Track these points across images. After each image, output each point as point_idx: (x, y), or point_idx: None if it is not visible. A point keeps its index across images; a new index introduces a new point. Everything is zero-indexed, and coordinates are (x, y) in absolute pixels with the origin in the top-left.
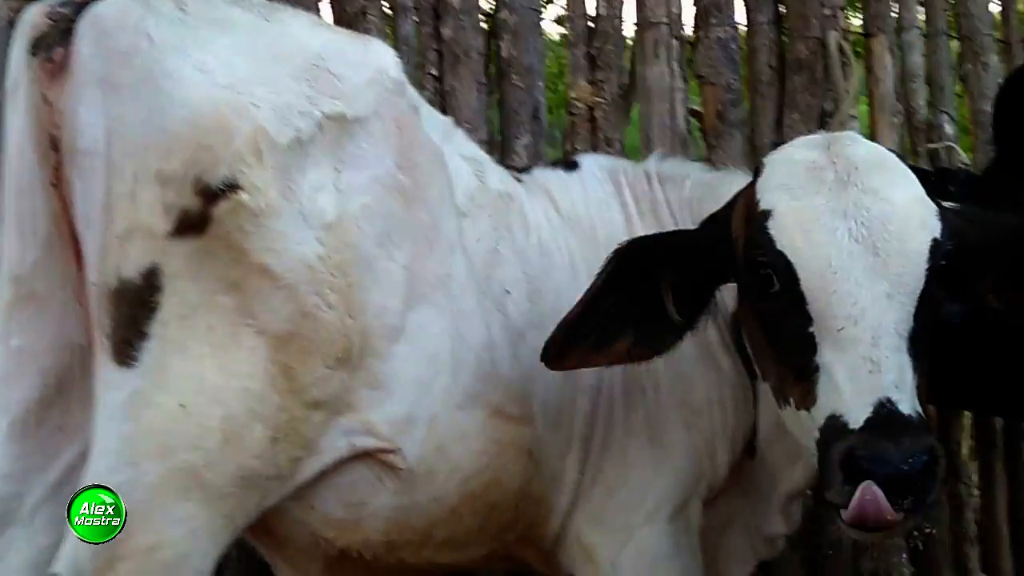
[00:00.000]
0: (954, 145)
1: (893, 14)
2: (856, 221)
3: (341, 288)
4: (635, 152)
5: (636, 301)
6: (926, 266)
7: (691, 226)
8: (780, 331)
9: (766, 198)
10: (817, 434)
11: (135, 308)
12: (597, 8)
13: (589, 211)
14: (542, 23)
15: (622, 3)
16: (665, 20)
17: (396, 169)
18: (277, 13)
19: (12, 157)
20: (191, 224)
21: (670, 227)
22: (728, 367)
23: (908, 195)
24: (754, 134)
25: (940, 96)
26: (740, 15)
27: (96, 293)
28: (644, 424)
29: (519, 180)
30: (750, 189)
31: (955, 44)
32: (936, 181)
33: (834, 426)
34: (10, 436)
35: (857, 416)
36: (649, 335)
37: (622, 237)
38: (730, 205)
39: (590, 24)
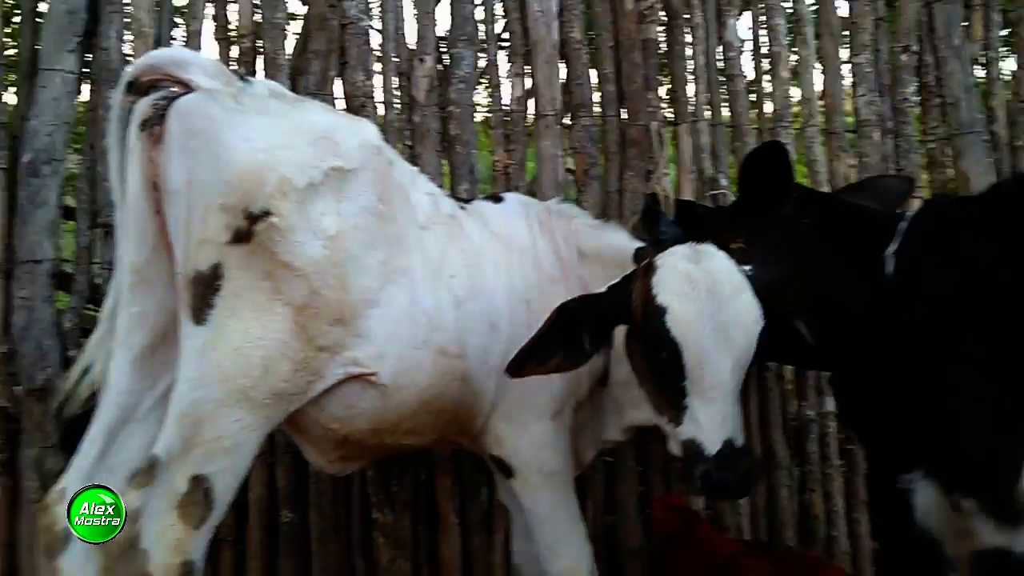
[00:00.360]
0: (727, 192)
1: (691, 108)
2: (719, 320)
3: (338, 276)
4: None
5: (566, 337)
6: (754, 347)
7: (569, 246)
8: (663, 377)
9: (662, 297)
10: (680, 444)
11: (206, 288)
12: (511, 104)
13: (507, 229)
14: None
15: (526, 101)
16: (552, 112)
17: (377, 201)
18: (302, 103)
19: (130, 195)
20: (241, 237)
21: (560, 244)
22: None
23: (748, 299)
24: (606, 184)
25: (719, 162)
26: (598, 110)
27: (181, 279)
28: None
29: (463, 208)
30: (647, 280)
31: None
32: (716, 214)
33: (695, 449)
34: (131, 366)
35: (711, 448)
36: (571, 356)
37: (528, 246)
38: (629, 281)
39: (505, 116)
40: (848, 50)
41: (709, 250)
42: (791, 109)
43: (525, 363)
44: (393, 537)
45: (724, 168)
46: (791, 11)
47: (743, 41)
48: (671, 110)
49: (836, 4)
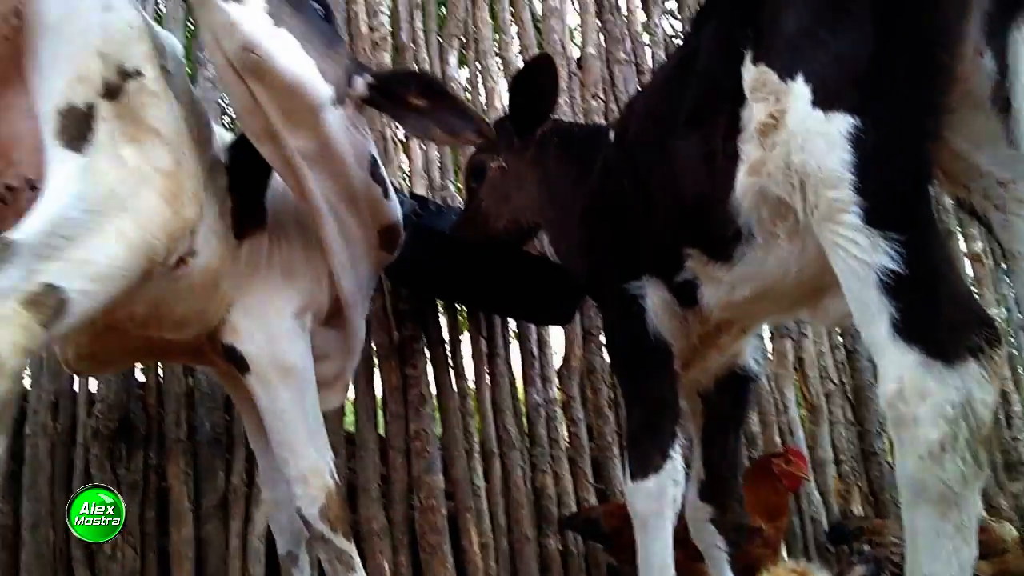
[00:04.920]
0: (455, 196)
1: None
2: None
3: (189, 153)
4: None
5: None
6: None
7: None
8: None
9: None
10: None
11: (82, 121)
12: None
13: None
14: None
15: None
16: None
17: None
18: None
19: None
20: (111, 92)
21: None
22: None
23: None
24: None
25: (446, 172)
26: None
27: (48, 109)
28: (280, 266)
29: None
30: None
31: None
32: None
33: None
34: None
35: None
36: None
37: None
38: None
39: None
40: None
41: None
42: None
43: None
44: None
45: (450, 177)
46: (500, 55)
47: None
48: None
49: None
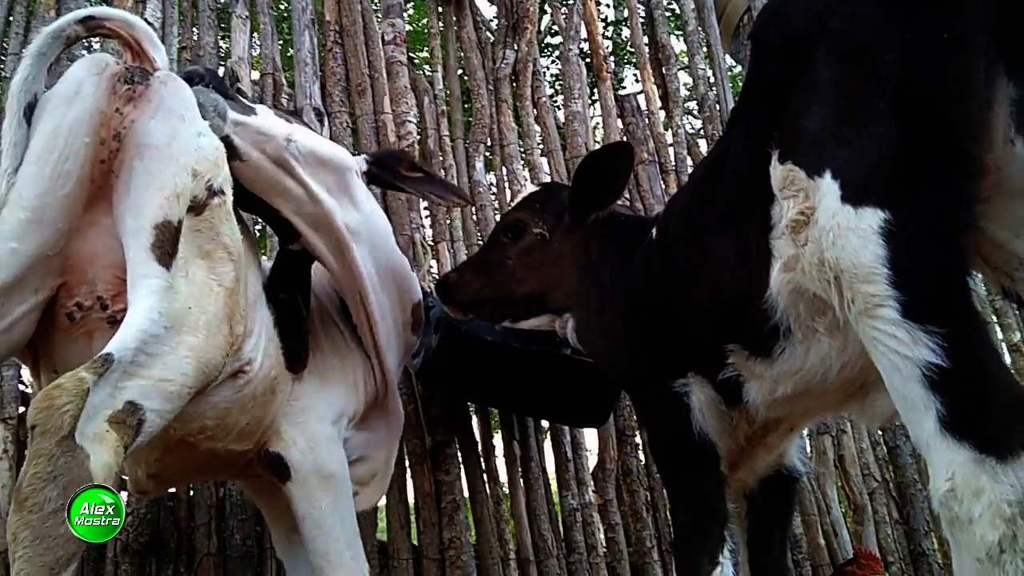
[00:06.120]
0: None
1: (452, 230)
2: None
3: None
4: None
5: None
6: None
7: None
8: None
9: None
10: None
11: (173, 237)
12: None
13: None
14: None
15: None
16: None
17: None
18: None
19: (64, 134)
20: (196, 206)
21: None
22: (362, 359)
23: None
24: None
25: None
26: None
27: (143, 223)
28: (318, 375)
29: None
30: None
31: None
32: None
33: None
34: None
35: None
36: None
37: None
38: None
39: None
40: None
41: None
42: None
43: None
44: None
45: None
46: (525, 159)
47: (489, 183)
48: (432, 229)
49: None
